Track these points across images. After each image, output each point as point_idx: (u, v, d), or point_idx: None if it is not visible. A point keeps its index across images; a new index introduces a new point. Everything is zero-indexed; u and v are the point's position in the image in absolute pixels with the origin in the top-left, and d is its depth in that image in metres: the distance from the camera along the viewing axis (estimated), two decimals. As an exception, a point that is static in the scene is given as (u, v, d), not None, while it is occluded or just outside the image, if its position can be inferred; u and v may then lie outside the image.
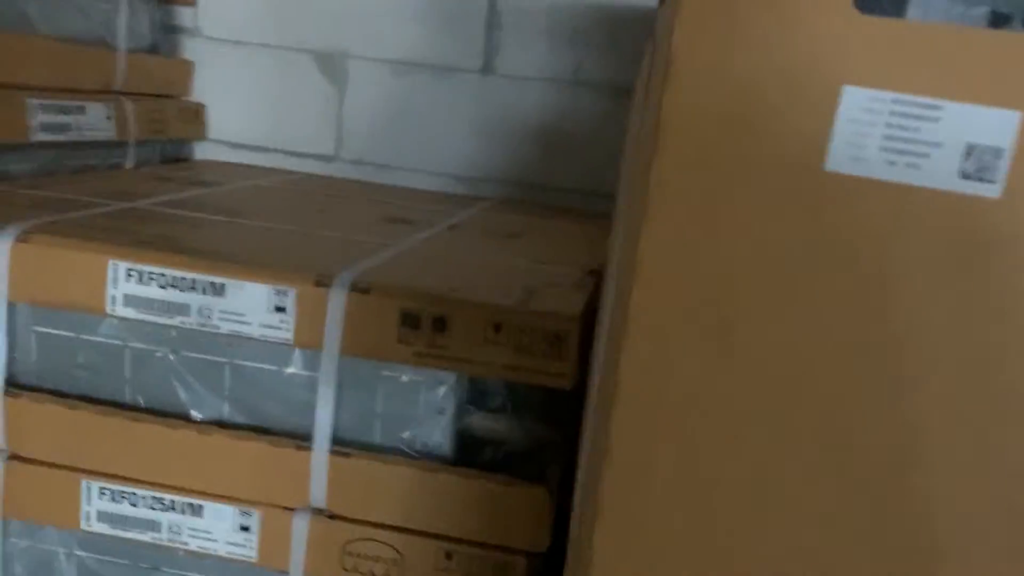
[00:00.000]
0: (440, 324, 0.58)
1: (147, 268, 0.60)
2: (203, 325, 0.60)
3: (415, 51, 1.11)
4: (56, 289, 0.61)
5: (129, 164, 1.00)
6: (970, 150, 0.33)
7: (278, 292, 0.59)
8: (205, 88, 1.15)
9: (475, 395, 0.62)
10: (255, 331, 0.59)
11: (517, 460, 0.63)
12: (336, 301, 0.58)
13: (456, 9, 1.08)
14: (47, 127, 0.85)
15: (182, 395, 0.63)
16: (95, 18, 0.94)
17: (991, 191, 0.33)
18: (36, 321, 0.63)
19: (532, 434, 0.63)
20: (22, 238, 0.61)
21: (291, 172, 1.13)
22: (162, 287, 0.60)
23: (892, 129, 0.34)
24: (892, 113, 0.34)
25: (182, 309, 0.60)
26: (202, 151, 1.18)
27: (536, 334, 0.59)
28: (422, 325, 0.58)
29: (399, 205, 0.97)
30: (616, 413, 0.36)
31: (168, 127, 1.06)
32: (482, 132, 1.11)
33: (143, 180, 0.92)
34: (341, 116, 1.14)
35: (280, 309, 0.59)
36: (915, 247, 0.34)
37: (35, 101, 0.84)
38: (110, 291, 0.60)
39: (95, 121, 0.93)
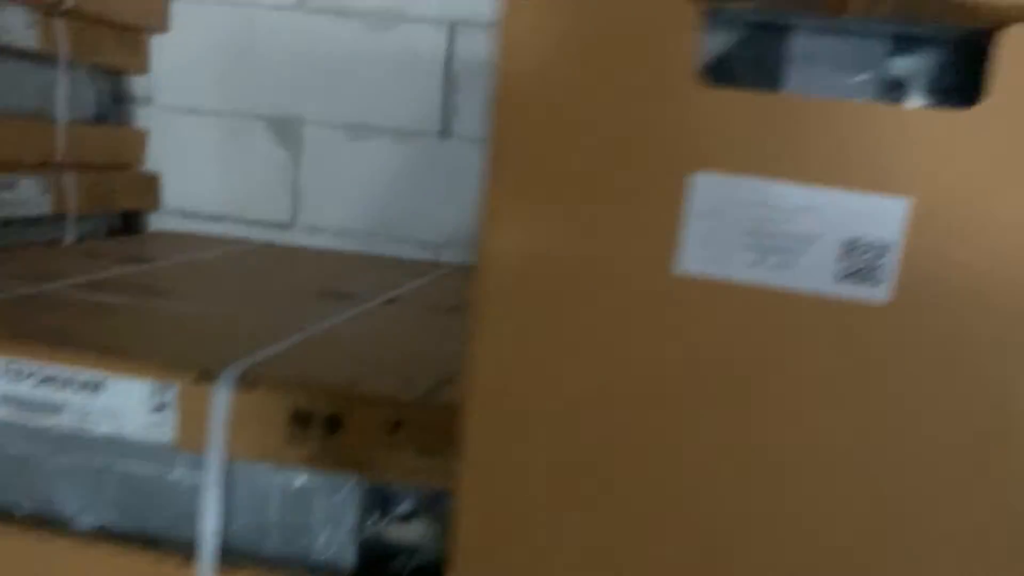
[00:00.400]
0: (334, 423, 0.53)
1: (22, 365, 0.55)
2: (79, 427, 0.55)
3: (371, 115, 1.07)
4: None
5: (69, 239, 0.97)
6: (850, 246, 0.28)
7: (158, 388, 0.54)
8: (159, 157, 1.12)
9: (379, 500, 0.56)
10: (134, 432, 0.54)
11: (431, 570, 0.57)
12: (220, 398, 0.53)
13: (411, 71, 1.05)
14: (-29, 205, 0.82)
15: (64, 502, 0.58)
16: (30, 91, 0.92)
17: (876, 294, 0.27)
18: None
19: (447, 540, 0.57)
20: None
21: (245, 241, 1.09)
22: (36, 385, 0.55)
23: (756, 222, 0.28)
24: (755, 203, 0.28)
25: (56, 408, 0.55)
26: (158, 222, 1.14)
27: (441, 432, 0.53)
28: (314, 424, 0.53)
29: (344, 277, 0.92)
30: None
31: (116, 199, 1.03)
32: (443, 196, 1.07)
33: (73, 258, 0.88)
34: (297, 182, 1.10)
35: (160, 408, 0.54)
36: (788, 362, 0.28)
37: (-44, 179, 0.81)
38: (-16, 389, 0.55)
39: (27, 196, 0.89)
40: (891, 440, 0.27)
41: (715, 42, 0.29)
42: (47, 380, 0.55)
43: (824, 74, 0.29)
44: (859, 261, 0.28)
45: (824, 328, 0.27)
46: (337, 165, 1.08)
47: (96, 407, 0.54)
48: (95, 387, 0.54)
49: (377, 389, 0.54)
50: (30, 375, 0.55)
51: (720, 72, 0.28)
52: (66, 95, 0.96)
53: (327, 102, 1.07)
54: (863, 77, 0.29)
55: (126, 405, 0.54)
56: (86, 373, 0.54)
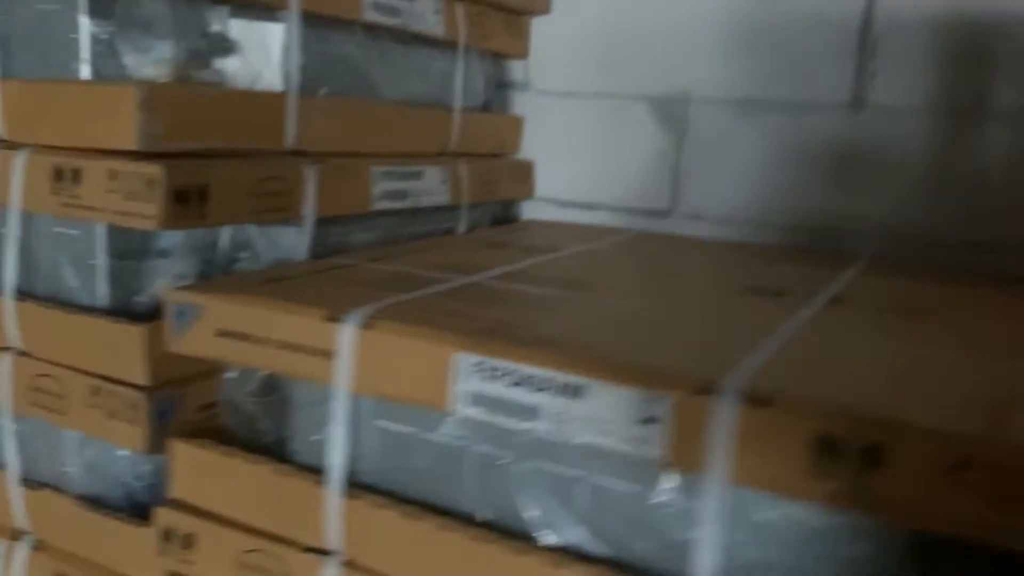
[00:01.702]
0: (873, 456, 0.42)
1: (495, 362, 0.51)
2: (555, 433, 0.49)
3: (764, 88, 0.96)
4: (399, 381, 0.54)
5: (461, 229, 0.96)
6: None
7: (649, 398, 0.47)
8: (531, 144, 1.10)
9: (919, 555, 0.45)
10: (616, 445, 0.48)
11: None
12: (724, 415, 0.45)
13: (817, 37, 0.92)
14: (388, 195, 0.83)
15: (527, 512, 0.53)
16: (434, 79, 0.92)
17: None
18: (379, 414, 0.58)
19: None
20: (368, 324, 0.55)
21: (621, 231, 1.03)
22: (510, 386, 0.51)
23: None
24: None
25: (530, 412, 0.50)
26: (527, 210, 1.12)
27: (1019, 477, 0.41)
28: (845, 455, 0.43)
29: (756, 270, 0.82)
30: None
31: (499, 188, 1.02)
32: (848, 177, 0.93)
33: (477, 248, 0.86)
34: (678, 167, 1.02)
35: (649, 420, 0.47)
36: None
37: (379, 169, 0.82)
38: (454, 387, 0.52)
39: (431, 186, 0.89)
40: None
41: None
42: (523, 381, 0.50)
43: None
44: None
45: None
46: (723, 146, 0.99)
47: (576, 414, 0.49)
48: (575, 392, 0.49)
49: (930, 417, 0.43)
50: (505, 374, 0.51)
51: None
52: (463, 82, 0.95)
53: (715, 77, 0.98)
54: None
55: (610, 414, 0.48)
56: (566, 376, 0.49)
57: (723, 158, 0.99)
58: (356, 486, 0.58)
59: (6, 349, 0.70)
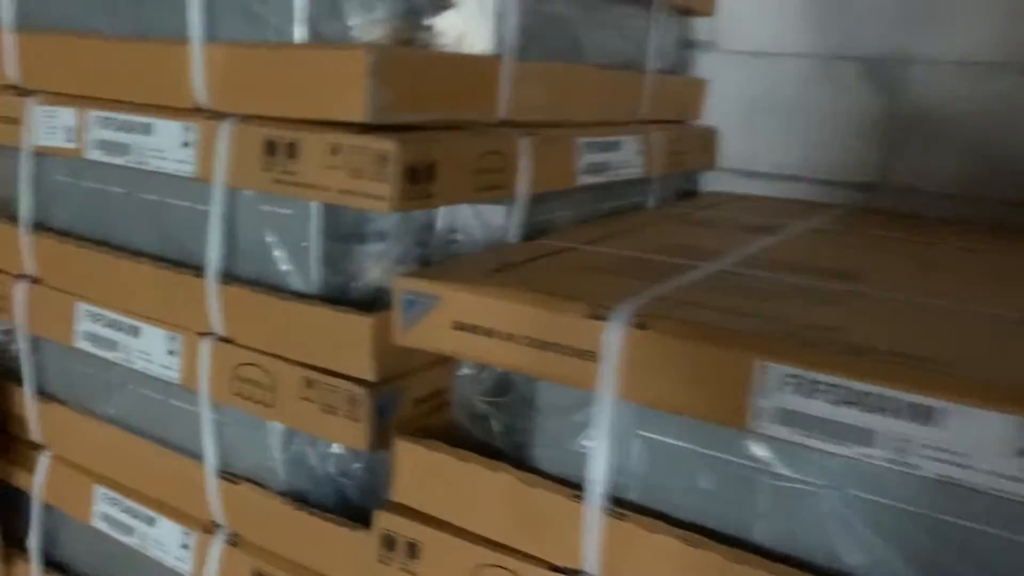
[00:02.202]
0: None
1: (816, 376, 0.44)
2: (896, 462, 0.42)
3: (994, 49, 0.85)
4: (680, 391, 0.48)
5: (651, 203, 0.89)
6: None
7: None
8: (712, 109, 1.01)
9: None
10: (981, 479, 0.40)
11: None
12: None
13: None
14: (590, 168, 0.76)
15: (846, 550, 0.46)
16: (631, 38, 0.83)
17: None
18: (644, 424, 0.51)
19: None
20: (637, 323, 0.49)
21: (827, 206, 0.93)
22: (836, 404, 0.43)
23: None
24: None
25: (863, 436, 0.43)
26: (706, 182, 1.03)
27: None
28: None
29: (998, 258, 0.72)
30: None
31: (686, 158, 0.93)
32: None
33: (685, 226, 0.79)
34: (889, 134, 0.92)
35: (1029, 454, 0.39)
36: None
37: (583, 140, 0.74)
38: (757, 401, 0.45)
39: (628, 157, 0.82)
40: None
41: None
42: (855, 400, 0.43)
43: None
44: None
45: None
46: (944, 113, 0.88)
47: (925, 441, 0.41)
48: (926, 415, 0.41)
49: None
50: (829, 390, 0.43)
51: None
52: (657, 41, 0.87)
53: (934, 37, 0.87)
54: None
55: (973, 444, 0.40)
56: (916, 396, 0.41)
57: (944, 126, 0.88)
58: (617, 502, 0.52)
59: (206, 335, 0.66)
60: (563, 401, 0.54)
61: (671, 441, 0.51)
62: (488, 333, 0.54)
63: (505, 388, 0.58)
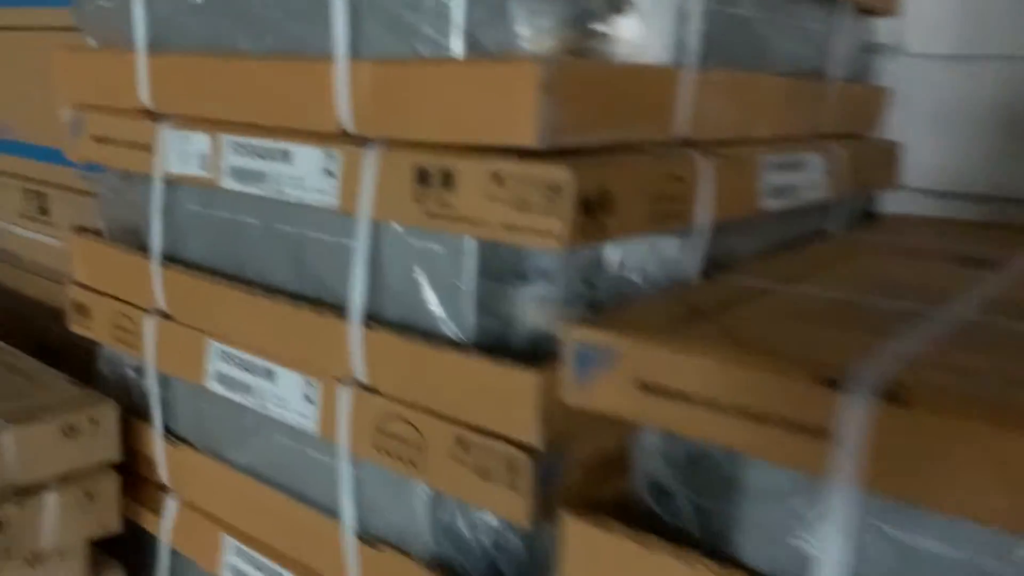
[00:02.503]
0: None
1: None
2: None
3: None
4: (951, 486, 0.37)
5: (833, 228, 0.78)
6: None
7: None
8: (895, 119, 0.89)
9: None
10: None
11: None
12: None
13: None
14: (774, 191, 0.66)
15: None
16: (813, 42, 0.73)
17: None
18: (889, 520, 0.41)
19: None
20: (887, 394, 0.38)
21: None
22: None
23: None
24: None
25: None
26: (883, 201, 0.91)
27: None
28: None
29: None
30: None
31: (869, 176, 0.82)
32: None
33: (891, 257, 0.67)
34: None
35: None
36: None
37: (768, 159, 0.64)
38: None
39: (813, 177, 0.71)
40: None
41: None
42: None
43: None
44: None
45: None
46: None
47: None
48: None
49: None
50: None
51: None
52: (840, 46, 0.76)
53: None
54: None
55: None
56: None
57: None
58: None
59: (347, 382, 0.59)
60: (779, 483, 0.44)
61: (928, 545, 0.40)
62: (683, 398, 0.44)
63: (699, 461, 0.48)
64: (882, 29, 0.87)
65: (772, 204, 0.66)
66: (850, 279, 0.59)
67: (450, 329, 0.55)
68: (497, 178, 0.49)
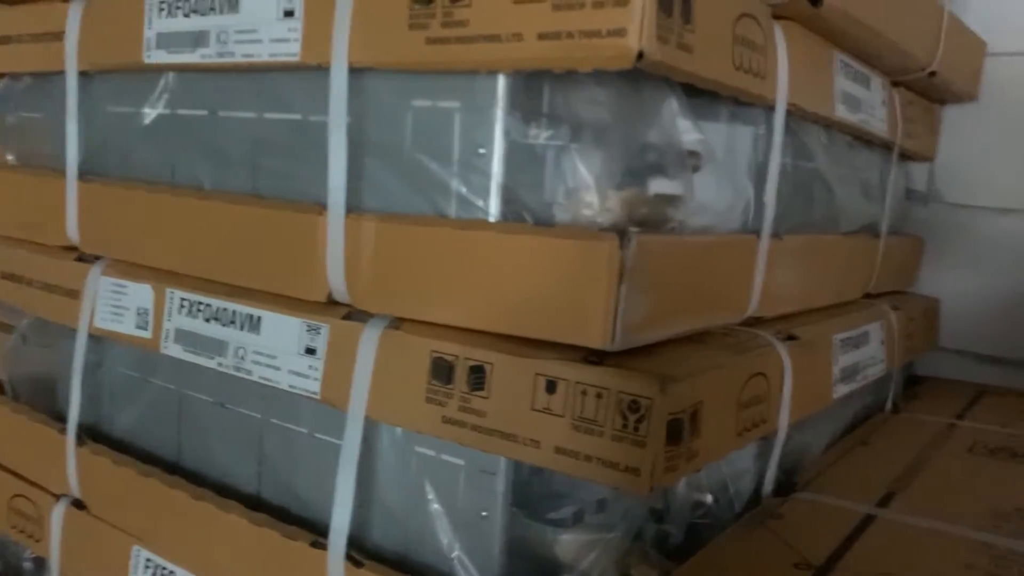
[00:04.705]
0: None
1: None
2: None
3: None
4: None
5: (889, 406, 0.67)
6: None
7: None
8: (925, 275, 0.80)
9: None
10: None
11: None
12: None
13: None
14: (844, 375, 0.55)
15: None
16: (871, 194, 0.64)
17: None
18: None
19: None
20: None
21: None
22: None
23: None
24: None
25: None
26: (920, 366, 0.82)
27: None
28: None
29: None
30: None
31: (916, 341, 0.72)
32: None
33: (976, 458, 0.56)
34: None
35: None
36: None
37: (838, 337, 0.54)
38: None
39: (874, 352, 0.61)
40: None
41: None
42: None
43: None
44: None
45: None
46: None
47: None
48: None
49: None
50: None
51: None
52: (892, 197, 0.67)
53: None
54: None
55: None
56: None
57: None
58: None
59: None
60: None
61: None
62: None
63: None
64: (916, 175, 0.80)
65: (843, 389, 0.55)
66: (957, 500, 0.48)
67: (466, 570, 0.41)
68: (548, 383, 0.37)
